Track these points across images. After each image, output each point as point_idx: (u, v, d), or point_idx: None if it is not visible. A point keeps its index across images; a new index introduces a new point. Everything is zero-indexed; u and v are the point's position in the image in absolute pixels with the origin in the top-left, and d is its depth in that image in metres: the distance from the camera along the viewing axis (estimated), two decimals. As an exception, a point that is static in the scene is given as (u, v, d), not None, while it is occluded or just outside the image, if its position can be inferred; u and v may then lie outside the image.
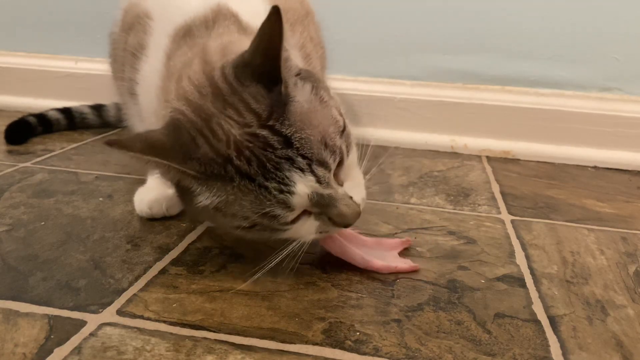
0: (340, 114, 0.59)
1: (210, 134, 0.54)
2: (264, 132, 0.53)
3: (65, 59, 1.36)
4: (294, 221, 0.56)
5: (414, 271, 0.66)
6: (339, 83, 1.19)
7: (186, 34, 0.65)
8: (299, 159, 0.53)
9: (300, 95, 0.55)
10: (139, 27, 0.72)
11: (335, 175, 0.57)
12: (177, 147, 0.54)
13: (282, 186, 0.53)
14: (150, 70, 0.68)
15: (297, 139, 0.53)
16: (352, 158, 0.60)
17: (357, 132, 1.22)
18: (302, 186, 0.53)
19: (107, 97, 1.19)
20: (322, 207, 0.56)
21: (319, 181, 0.54)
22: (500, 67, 1.16)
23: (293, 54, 0.67)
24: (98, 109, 1.21)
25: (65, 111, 1.19)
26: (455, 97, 1.17)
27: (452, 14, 1.15)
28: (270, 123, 0.53)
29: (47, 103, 1.29)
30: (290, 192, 0.53)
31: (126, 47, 0.74)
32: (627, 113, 1.10)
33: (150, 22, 0.70)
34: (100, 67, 1.19)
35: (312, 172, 0.53)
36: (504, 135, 1.15)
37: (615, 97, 1.12)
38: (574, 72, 1.13)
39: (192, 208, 0.58)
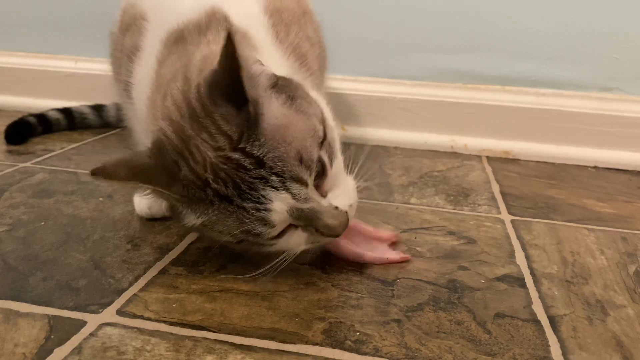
0: (322, 122, 0.57)
1: (189, 157, 0.54)
2: (236, 155, 0.53)
3: (65, 59, 1.36)
4: (280, 235, 0.57)
5: (406, 261, 0.67)
6: (339, 83, 1.19)
7: (178, 39, 0.65)
8: (273, 177, 0.53)
9: (273, 109, 0.55)
10: (134, 28, 0.72)
11: (319, 186, 0.57)
12: (160, 169, 0.55)
13: (259, 205, 0.53)
14: (143, 75, 0.67)
15: (269, 159, 0.53)
16: (337, 166, 0.59)
17: (357, 132, 1.23)
18: (279, 203, 0.53)
19: (107, 97, 1.19)
20: (306, 220, 0.56)
21: (294, 197, 0.54)
22: (500, 67, 1.16)
23: (280, 58, 0.67)
24: (98, 109, 1.21)
25: (65, 111, 1.19)
26: (455, 97, 1.17)
27: (452, 14, 1.15)
28: (241, 145, 0.53)
29: (47, 103, 1.29)
30: (267, 210, 0.53)
31: (122, 49, 0.74)
32: (627, 113, 1.10)
33: (145, 23, 0.70)
34: (100, 67, 1.19)
35: (287, 189, 0.53)
36: (504, 135, 1.15)
37: (615, 97, 1.12)
38: (574, 72, 1.13)
39: (183, 223, 0.59)
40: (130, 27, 0.73)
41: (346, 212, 0.58)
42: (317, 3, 0.86)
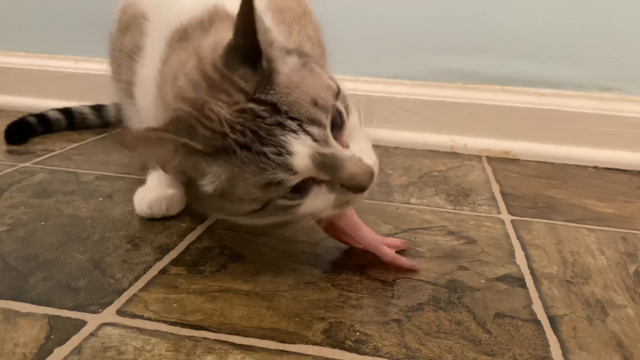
0: (334, 80, 0.58)
1: (204, 119, 0.54)
2: (252, 105, 0.53)
3: (65, 59, 1.36)
4: (304, 194, 0.55)
5: (414, 270, 0.66)
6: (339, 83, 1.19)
7: (182, 37, 0.65)
8: (289, 121, 0.53)
9: (287, 67, 0.56)
10: (135, 27, 0.72)
11: (338, 138, 0.56)
12: (181, 130, 0.55)
13: (280, 149, 0.53)
14: (147, 75, 0.67)
15: (284, 104, 0.53)
16: (354, 120, 0.59)
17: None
18: (300, 146, 0.53)
19: (107, 97, 1.19)
20: (329, 169, 0.54)
21: (315, 139, 0.53)
22: (500, 67, 1.16)
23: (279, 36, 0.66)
24: (98, 109, 1.21)
25: (66, 111, 1.19)
26: (455, 97, 1.17)
27: (452, 14, 1.15)
28: (256, 96, 0.54)
29: (47, 103, 1.29)
30: (289, 153, 0.53)
31: (122, 49, 0.74)
32: (627, 113, 1.10)
33: (147, 22, 0.70)
34: (100, 67, 1.19)
35: (305, 132, 0.53)
36: (504, 135, 1.15)
37: (615, 97, 1.12)
38: (574, 72, 1.13)
39: (200, 199, 0.58)
40: (130, 26, 0.73)
41: (370, 166, 0.56)
42: (317, 3, 0.86)
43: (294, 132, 0.53)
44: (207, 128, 0.54)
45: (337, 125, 0.56)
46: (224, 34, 0.61)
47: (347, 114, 0.57)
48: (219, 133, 0.54)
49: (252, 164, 0.53)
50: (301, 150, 0.53)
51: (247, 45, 0.54)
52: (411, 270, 0.66)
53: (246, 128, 0.53)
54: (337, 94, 0.57)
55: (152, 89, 0.65)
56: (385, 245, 0.68)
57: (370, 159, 0.57)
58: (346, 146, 0.56)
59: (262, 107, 0.53)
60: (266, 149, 0.53)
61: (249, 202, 0.55)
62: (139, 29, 0.70)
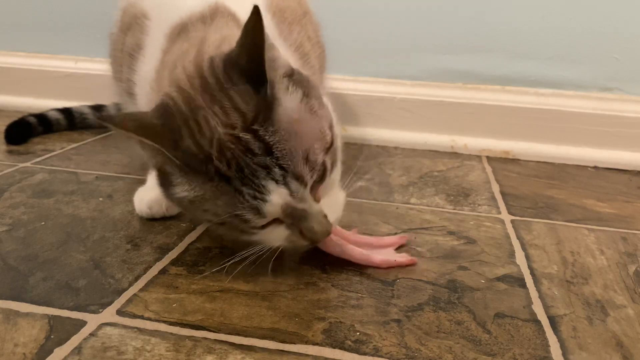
0: (330, 128, 0.58)
1: (195, 128, 0.54)
2: (247, 136, 0.52)
3: (65, 59, 1.36)
4: (264, 226, 0.57)
5: (412, 265, 0.66)
6: (339, 83, 1.19)
7: (182, 30, 0.65)
8: (276, 169, 0.53)
9: (289, 101, 0.55)
10: (136, 27, 0.72)
11: (314, 189, 0.57)
12: (166, 132, 0.54)
13: (257, 193, 0.53)
14: (147, 69, 0.67)
15: (278, 149, 0.53)
16: (335, 176, 0.60)
17: (357, 132, 1.23)
18: (276, 197, 0.53)
19: (107, 97, 1.19)
20: (295, 219, 0.56)
21: (292, 194, 0.54)
22: (500, 67, 1.16)
23: (286, 54, 0.67)
24: (98, 109, 1.21)
25: (65, 111, 1.19)
26: (455, 97, 1.17)
27: (452, 14, 1.15)
28: (255, 127, 0.53)
29: (47, 103, 1.29)
30: (263, 200, 0.53)
31: (124, 48, 0.74)
32: (627, 113, 1.10)
33: (148, 22, 0.70)
34: (100, 67, 1.19)
35: (286, 185, 0.53)
36: (504, 135, 1.15)
37: (615, 97, 1.12)
38: (574, 72, 1.13)
39: (168, 194, 0.59)
40: (131, 26, 0.73)
41: (330, 225, 0.58)
42: (317, 3, 0.86)
43: (276, 181, 0.53)
44: (195, 141, 0.54)
45: (318, 179, 0.56)
46: (229, 32, 0.61)
47: (332, 169, 0.58)
48: (204, 153, 0.53)
49: (225, 196, 0.54)
50: (276, 201, 0.54)
51: (251, 67, 0.53)
52: (411, 266, 0.66)
53: (233, 160, 0.53)
54: (329, 147, 0.57)
55: (152, 77, 0.65)
56: (383, 245, 0.69)
57: (334, 215, 0.59)
58: (318, 199, 0.58)
59: (257, 144, 0.52)
60: (244, 189, 0.53)
61: (211, 215, 0.56)
62: (140, 28, 0.71)
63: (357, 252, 0.65)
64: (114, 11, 0.85)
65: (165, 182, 0.58)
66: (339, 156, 0.61)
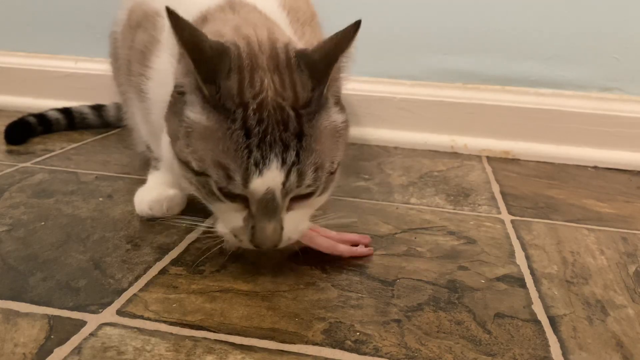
0: (339, 162, 0.60)
1: (248, 78, 0.55)
2: (292, 113, 0.54)
3: (65, 59, 1.37)
4: (229, 200, 0.56)
5: (370, 255, 0.69)
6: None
7: (204, 21, 0.66)
8: (293, 152, 0.54)
9: (333, 116, 0.58)
10: (148, 25, 0.72)
11: (295, 202, 0.58)
12: (212, 64, 0.54)
13: (261, 161, 0.53)
14: (167, 61, 0.68)
15: (307, 142, 0.54)
16: (318, 201, 0.61)
17: (357, 132, 1.23)
18: (270, 176, 0.54)
19: (107, 97, 1.19)
20: (261, 211, 0.56)
21: (284, 183, 0.54)
22: (500, 67, 1.16)
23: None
24: (98, 109, 1.21)
25: (65, 111, 1.19)
26: (455, 97, 1.17)
27: (452, 14, 1.15)
28: (301, 111, 0.55)
29: (47, 103, 1.29)
30: (260, 171, 0.53)
31: (133, 45, 0.74)
32: (627, 113, 1.10)
33: (160, 19, 0.71)
34: (100, 67, 1.19)
35: (288, 173, 0.54)
36: (504, 135, 1.15)
37: (615, 97, 1.13)
38: (574, 72, 1.13)
39: (172, 117, 0.59)
40: (141, 24, 0.74)
41: (280, 239, 0.58)
42: (317, 4, 0.86)
43: (284, 163, 0.54)
44: (240, 86, 0.54)
45: (307, 195, 0.58)
46: (266, 22, 0.64)
47: (321, 194, 0.59)
48: (242, 100, 0.54)
49: (233, 145, 0.53)
50: (268, 179, 0.54)
51: (321, 65, 0.56)
52: (369, 255, 0.69)
53: (264, 122, 0.54)
54: (331, 173, 0.58)
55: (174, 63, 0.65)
56: (344, 240, 0.70)
57: (290, 232, 0.59)
58: (289, 210, 0.58)
59: (294, 124, 0.54)
60: (255, 151, 0.53)
61: (197, 157, 0.55)
62: (152, 26, 0.71)
63: (325, 242, 0.67)
64: (117, 11, 0.85)
65: (177, 104, 0.58)
66: (331, 188, 0.62)
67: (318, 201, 0.61)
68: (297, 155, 0.54)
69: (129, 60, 0.76)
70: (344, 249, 0.68)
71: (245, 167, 0.53)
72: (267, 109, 0.54)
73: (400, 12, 1.17)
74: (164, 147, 0.65)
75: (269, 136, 0.53)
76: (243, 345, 0.52)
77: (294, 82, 0.56)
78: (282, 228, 0.57)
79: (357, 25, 0.56)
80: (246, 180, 0.54)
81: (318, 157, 0.55)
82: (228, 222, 0.59)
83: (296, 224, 0.60)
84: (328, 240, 0.68)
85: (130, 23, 0.78)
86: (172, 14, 0.53)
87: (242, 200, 0.57)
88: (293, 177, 0.54)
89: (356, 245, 0.70)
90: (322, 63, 0.56)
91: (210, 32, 0.60)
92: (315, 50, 0.57)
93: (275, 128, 0.54)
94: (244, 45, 0.57)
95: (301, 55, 0.57)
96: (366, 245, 0.70)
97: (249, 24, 0.63)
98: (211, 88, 0.54)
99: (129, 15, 0.79)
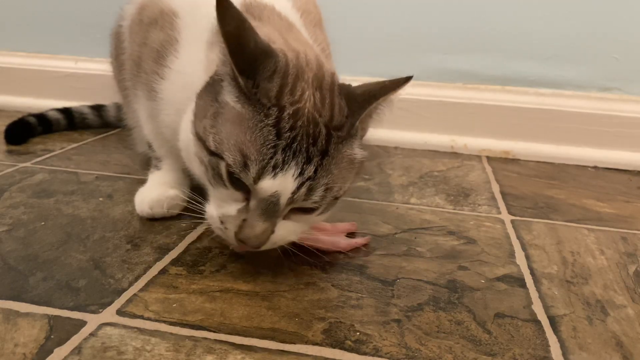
0: (345, 191, 0.61)
1: (290, 85, 0.56)
2: (324, 130, 0.56)
3: (65, 59, 1.37)
4: (232, 187, 0.57)
5: (367, 243, 0.72)
6: (339, 83, 1.19)
7: None
8: (312, 167, 0.55)
9: (357, 150, 0.60)
10: (164, 24, 0.72)
11: (294, 212, 0.58)
12: (253, 60, 0.55)
13: (280, 165, 0.54)
14: (188, 61, 0.68)
15: (328, 162, 0.56)
16: (315, 219, 0.62)
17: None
18: (282, 182, 0.54)
19: (107, 97, 1.19)
20: (260, 209, 0.56)
21: (293, 192, 0.55)
22: (500, 67, 1.16)
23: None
24: (98, 109, 1.21)
25: (65, 111, 1.19)
26: (455, 97, 1.17)
27: (452, 14, 1.15)
28: (332, 132, 0.56)
29: (47, 103, 1.29)
30: (275, 174, 0.54)
31: (146, 42, 0.74)
32: (627, 113, 1.10)
33: (178, 20, 0.71)
34: (100, 67, 1.19)
35: (301, 184, 0.55)
36: (504, 135, 1.15)
37: (615, 97, 1.13)
38: (574, 72, 1.13)
39: (205, 96, 0.59)
40: (156, 22, 0.73)
41: (266, 242, 0.58)
42: (319, 3, 0.86)
43: (301, 175, 0.55)
44: (280, 90, 0.55)
45: (308, 210, 0.59)
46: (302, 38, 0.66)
47: (321, 213, 0.60)
48: (280, 103, 0.55)
49: (261, 138, 0.54)
50: (278, 184, 0.54)
51: (360, 101, 0.58)
52: (366, 243, 0.71)
53: (296, 130, 0.54)
54: (336, 198, 0.59)
55: (201, 58, 0.65)
56: (339, 230, 0.72)
57: (278, 237, 0.59)
58: (286, 218, 0.59)
59: (323, 142, 0.55)
60: (279, 153, 0.54)
61: (217, 138, 0.56)
62: (170, 25, 0.71)
63: (328, 241, 0.69)
64: (125, 5, 0.84)
65: (214, 86, 0.58)
66: (330, 212, 0.62)
67: (315, 220, 0.62)
68: (315, 171, 0.55)
69: (139, 57, 0.75)
70: (345, 244, 0.70)
71: (264, 164, 0.54)
72: (302, 119, 0.55)
73: (400, 12, 1.17)
74: (182, 128, 0.64)
75: (296, 144, 0.54)
76: (243, 345, 0.52)
77: (333, 103, 0.57)
78: (272, 232, 0.58)
79: (407, 79, 0.59)
80: (259, 176, 0.54)
81: (332, 179, 0.56)
82: (221, 207, 0.59)
83: (287, 233, 0.60)
84: (330, 238, 0.69)
85: (142, 19, 0.77)
86: (221, 3, 0.53)
87: (245, 192, 0.57)
88: (303, 190, 0.55)
89: (350, 234, 0.72)
90: (362, 97, 0.58)
91: (262, 34, 0.60)
92: (358, 87, 0.59)
93: (304, 139, 0.55)
94: (293, 57, 0.58)
95: (344, 86, 0.60)
96: (356, 233, 0.73)
97: (295, 40, 0.64)
98: (247, 81, 0.55)
99: (140, 10, 0.78)
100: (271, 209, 0.56)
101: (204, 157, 0.58)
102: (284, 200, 0.55)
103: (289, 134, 0.54)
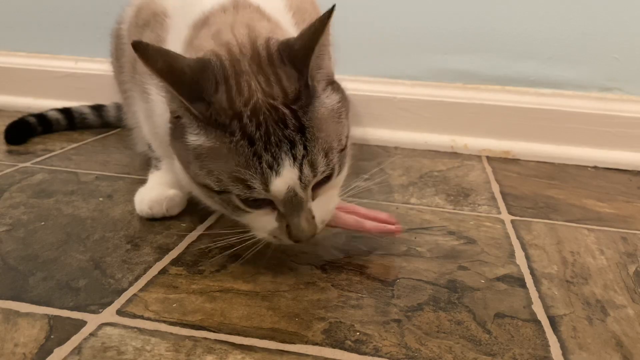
0: (347, 136, 0.61)
1: (234, 86, 0.55)
2: (286, 111, 0.55)
3: (65, 59, 1.36)
4: (256, 207, 0.57)
5: (398, 232, 0.69)
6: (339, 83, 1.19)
7: (204, 22, 0.66)
8: (301, 147, 0.54)
9: (326, 100, 0.58)
10: (155, 24, 0.72)
11: (318, 187, 0.58)
12: (195, 83, 0.54)
13: (274, 163, 0.54)
14: None
15: (309, 132, 0.55)
16: (339, 180, 0.62)
17: (357, 132, 1.23)
18: (288, 174, 0.54)
19: (107, 97, 1.19)
20: (289, 208, 0.56)
21: (301, 178, 0.55)
22: (500, 67, 1.16)
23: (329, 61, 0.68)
24: (98, 109, 1.21)
25: (65, 111, 1.19)
26: (455, 97, 1.17)
27: (452, 14, 1.15)
28: (294, 107, 0.55)
29: (47, 103, 1.29)
30: (277, 172, 0.54)
31: None
32: (627, 113, 1.10)
33: (168, 19, 0.71)
34: (100, 67, 1.19)
35: (301, 167, 0.54)
36: (504, 135, 1.15)
37: (615, 97, 1.12)
38: (574, 72, 1.13)
39: (177, 143, 0.59)
40: (149, 23, 0.74)
41: (316, 227, 0.59)
42: (319, 3, 0.86)
43: (294, 159, 0.54)
44: (229, 97, 0.55)
45: (326, 179, 0.58)
46: (265, 23, 0.63)
47: (339, 172, 0.60)
48: (234, 110, 0.54)
49: (242, 157, 0.54)
50: (286, 178, 0.54)
51: (302, 53, 0.55)
52: (397, 233, 0.69)
53: (264, 125, 0.54)
54: (342, 150, 0.59)
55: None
56: (372, 217, 0.70)
57: (321, 217, 0.60)
58: (315, 197, 0.59)
59: (292, 120, 0.54)
60: (264, 154, 0.54)
61: (213, 178, 0.56)
62: (160, 26, 0.72)
63: (351, 219, 0.68)
64: (125, 7, 0.85)
65: (177, 130, 0.58)
66: (347, 162, 0.62)
67: (338, 180, 0.62)
68: (305, 148, 0.54)
69: (135, 59, 0.76)
70: (370, 226, 0.68)
71: (261, 173, 0.54)
72: (262, 112, 0.54)
73: (400, 12, 1.17)
74: (178, 172, 0.65)
75: (272, 137, 0.54)
76: (243, 345, 0.52)
77: (279, 77, 0.56)
78: (313, 217, 0.58)
79: (331, 10, 0.56)
80: (266, 185, 0.54)
81: (324, 142, 0.56)
82: (263, 228, 0.60)
83: (325, 208, 0.60)
84: (353, 217, 0.68)
85: (137, 21, 0.77)
86: (137, 47, 0.53)
87: (267, 204, 0.58)
88: (306, 169, 0.55)
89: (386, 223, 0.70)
90: (302, 52, 0.56)
91: (194, 47, 0.61)
92: (295, 40, 0.57)
93: (275, 128, 0.54)
94: (225, 53, 0.57)
95: (283, 47, 0.57)
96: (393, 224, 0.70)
97: (230, 26, 0.62)
98: (200, 106, 0.54)
99: (137, 12, 0.79)
100: (297, 202, 0.56)
101: (214, 197, 0.59)
102: (299, 188, 0.55)
103: (259, 133, 0.54)
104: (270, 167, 0.54)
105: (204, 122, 0.55)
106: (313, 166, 0.55)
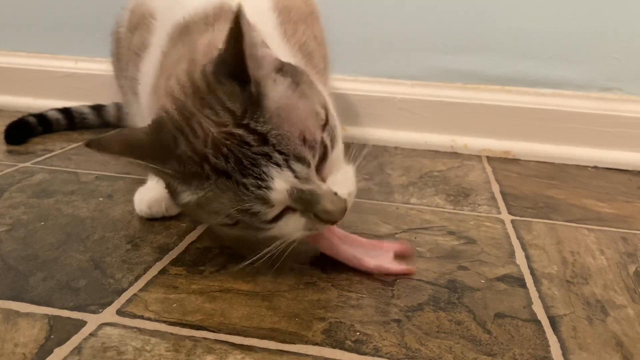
0: (324, 107, 0.58)
1: (190, 133, 0.54)
2: (240, 131, 0.53)
3: (65, 59, 1.36)
4: (277, 219, 0.56)
5: (409, 274, 0.65)
6: (339, 83, 1.19)
7: (183, 31, 0.65)
8: (276, 154, 0.53)
9: (277, 91, 0.55)
10: (143, 26, 0.72)
11: (319, 170, 0.57)
12: (157, 146, 0.55)
13: (260, 182, 0.53)
14: (148, 68, 0.68)
15: (273, 136, 0.53)
16: (338, 152, 0.59)
17: (357, 132, 1.23)
18: (280, 182, 0.53)
19: (107, 97, 1.19)
20: (305, 203, 0.55)
21: (297, 176, 0.54)
22: (500, 67, 1.16)
23: (288, 52, 0.67)
24: (98, 109, 1.21)
25: (65, 111, 1.19)
26: (455, 97, 1.17)
27: (452, 14, 1.15)
28: (245, 122, 0.53)
29: (47, 103, 1.29)
30: (268, 188, 0.53)
31: (130, 47, 0.75)
32: (627, 113, 1.10)
33: (154, 21, 0.71)
34: (100, 67, 1.20)
35: (290, 168, 0.53)
36: (504, 135, 1.15)
37: (615, 97, 1.12)
38: (574, 72, 1.13)
39: (181, 207, 0.60)
40: (138, 25, 0.74)
41: (345, 200, 0.57)
42: (319, 3, 0.86)
43: (278, 165, 0.53)
44: (190, 145, 0.54)
45: (320, 158, 0.56)
46: (222, 34, 0.61)
47: (333, 146, 0.57)
48: (199, 154, 0.54)
49: (229, 192, 0.54)
50: (280, 186, 0.53)
51: (235, 64, 0.53)
52: (408, 274, 0.65)
53: (230, 155, 0.53)
54: (325, 124, 0.57)
55: (151, 80, 0.66)
56: (381, 248, 0.67)
57: (345, 190, 0.58)
58: (324, 179, 0.57)
59: (251, 136, 0.53)
60: (246, 180, 0.53)
61: (223, 217, 0.56)
62: (147, 28, 0.71)
63: (350, 255, 0.64)
64: (121, 10, 0.85)
65: (173, 195, 0.59)
66: (339, 133, 0.60)
67: (338, 152, 0.59)
68: (279, 151, 0.53)
69: (127, 62, 0.76)
70: (371, 265, 0.64)
71: (255, 197, 0.53)
72: (222, 143, 0.53)
73: (400, 12, 1.17)
74: None
75: (244, 161, 0.53)
76: (243, 345, 0.52)
77: (222, 101, 0.54)
78: (335, 193, 0.56)
79: (237, 15, 0.51)
80: (268, 202, 0.54)
81: (296, 130, 0.54)
82: (295, 230, 0.58)
83: (344, 181, 0.59)
84: (353, 254, 0.64)
85: (129, 25, 0.78)
86: (89, 146, 0.53)
87: (285, 210, 0.56)
88: (296, 166, 0.53)
89: (401, 258, 0.65)
90: (234, 61, 0.53)
91: (166, 71, 0.61)
92: (225, 52, 0.54)
93: (241, 152, 0.53)
94: (170, 104, 0.56)
95: (217, 66, 0.54)
96: (408, 256, 0.66)
97: (191, 51, 0.61)
98: (172, 165, 0.55)
99: (130, 16, 0.79)
100: (309, 194, 0.55)
101: (235, 229, 0.58)
102: (301, 183, 0.54)
103: (230, 165, 0.53)
104: (259, 187, 0.53)
105: (182, 178, 0.55)
106: (301, 159, 0.54)
